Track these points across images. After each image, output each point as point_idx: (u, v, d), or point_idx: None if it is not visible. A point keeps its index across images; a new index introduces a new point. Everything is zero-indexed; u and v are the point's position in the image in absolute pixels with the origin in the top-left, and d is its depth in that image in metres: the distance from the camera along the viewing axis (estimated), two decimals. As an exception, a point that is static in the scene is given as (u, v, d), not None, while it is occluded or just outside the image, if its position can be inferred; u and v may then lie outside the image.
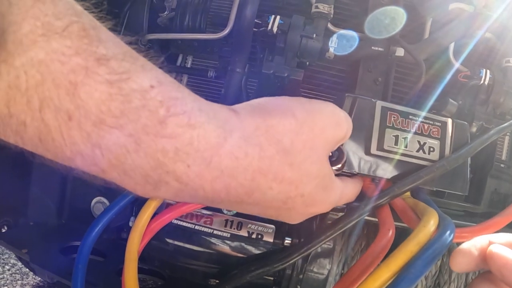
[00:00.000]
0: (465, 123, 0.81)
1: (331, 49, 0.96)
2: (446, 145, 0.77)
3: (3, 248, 1.97)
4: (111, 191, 0.96)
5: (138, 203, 0.81)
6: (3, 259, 1.99)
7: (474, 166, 1.02)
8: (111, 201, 0.95)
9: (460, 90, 1.06)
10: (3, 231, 0.93)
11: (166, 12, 1.14)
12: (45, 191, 0.98)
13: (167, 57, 1.19)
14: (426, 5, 1.07)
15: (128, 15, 1.15)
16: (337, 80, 1.10)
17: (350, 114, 0.76)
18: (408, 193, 0.75)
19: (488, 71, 1.03)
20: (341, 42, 0.98)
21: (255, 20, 0.96)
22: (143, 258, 0.76)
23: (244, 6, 0.93)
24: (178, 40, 1.13)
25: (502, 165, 1.07)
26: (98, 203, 0.95)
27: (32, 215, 0.98)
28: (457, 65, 1.08)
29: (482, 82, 1.03)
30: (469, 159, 0.79)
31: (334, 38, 0.97)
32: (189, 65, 1.19)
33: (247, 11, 0.93)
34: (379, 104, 0.76)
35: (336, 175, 0.64)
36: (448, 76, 1.04)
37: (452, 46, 1.08)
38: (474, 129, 1.00)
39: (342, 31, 1.01)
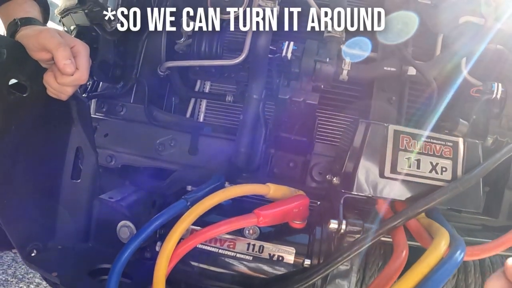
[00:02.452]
0: (477, 141, 0.83)
1: (345, 72, 0.99)
2: (459, 164, 0.79)
3: (27, 267, 2.03)
4: (135, 215, 1.00)
5: (163, 227, 0.85)
6: (27, 279, 2.05)
7: (490, 179, 1.03)
8: (136, 224, 0.99)
9: (473, 105, 1.08)
10: (33, 255, 0.96)
11: (183, 39, 1.18)
12: (72, 216, 1.02)
13: (186, 82, 1.23)
14: (437, 21, 1.08)
15: (146, 43, 1.19)
16: (352, 100, 1.13)
17: (364, 139, 0.79)
18: (423, 213, 0.78)
19: (499, 84, 1.04)
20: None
21: (270, 47, 0.99)
22: (170, 281, 0.79)
23: (259, 34, 0.97)
24: (196, 67, 1.17)
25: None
26: (124, 227, 0.99)
27: (60, 239, 1.02)
28: (464, 72, 1.08)
29: (494, 96, 1.04)
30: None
31: (347, 60, 0.99)
32: (207, 90, 1.23)
33: (261, 40, 0.96)
34: (392, 128, 0.79)
35: None
36: (455, 87, 1.04)
37: (464, 60, 1.09)
38: (489, 143, 1.01)
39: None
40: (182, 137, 1.11)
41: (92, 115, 1.21)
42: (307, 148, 1.04)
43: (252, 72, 1.03)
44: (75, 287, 0.94)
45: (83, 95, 1.22)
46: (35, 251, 0.97)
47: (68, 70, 0.83)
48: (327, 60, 0.97)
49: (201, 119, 1.21)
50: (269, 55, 1.00)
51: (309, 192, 0.93)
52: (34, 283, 2.00)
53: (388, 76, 1.03)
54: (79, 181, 1.03)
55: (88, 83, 1.29)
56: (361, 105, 1.10)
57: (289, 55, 0.97)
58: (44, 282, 1.94)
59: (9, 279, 2.01)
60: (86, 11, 1.03)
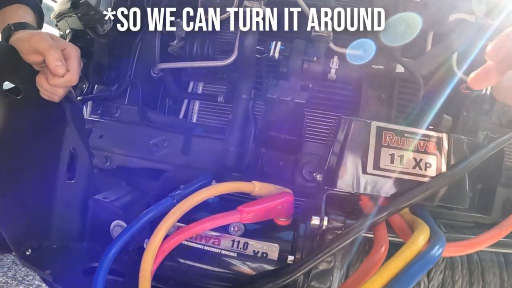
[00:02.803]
0: (462, 136, 0.83)
1: (333, 71, 0.99)
2: (443, 160, 0.79)
3: (27, 270, 2.05)
4: (129, 215, 1.02)
5: (155, 225, 0.86)
6: (27, 281, 2.08)
7: (483, 176, 1.02)
8: (128, 223, 1.01)
9: (463, 102, 1.07)
10: (27, 253, 0.98)
11: (175, 41, 1.19)
12: (67, 216, 1.04)
13: (179, 84, 1.24)
14: (427, 18, 1.08)
15: (140, 45, 1.21)
16: (341, 98, 1.13)
17: (346, 135, 0.79)
18: (407, 209, 0.78)
19: None
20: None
21: (258, 47, 1.00)
22: (158, 277, 0.81)
23: (245, 34, 0.98)
24: (188, 68, 1.18)
25: (512, 173, 1.07)
26: (117, 226, 1.01)
27: (55, 239, 1.04)
28: (455, 69, 1.08)
29: (484, 92, 1.04)
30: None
31: (335, 59, 1.00)
32: (200, 91, 1.24)
33: (248, 40, 0.97)
34: (374, 124, 0.80)
35: None
36: (445, 84, 1.04)
37: (455, 56, 1.09)
38: (480, 139, 1.01)
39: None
40: (175, 137, 1.12)
41: (87, 117, 1.23)
42: (297, 147, 1.04)
43: (240, 72, 1.04)
44: (69, 285, 0.96)
45: (79, 98, 1.24)
46: (30, 250, 0.99)
47: (59, 71, 0.86)
48: (315, 59, 0.97)
49: (194, 120, 1.22)
50: (257, 55, 1.01)
51: (299, 190, 0.94)
52: (34, 285, 2.02)
53: (377, 74, 1.03)
54: (73, 181, 1.04)
55: (84, 86, 1.31)
56: (351, 103, 1.11)
57: (276, 54, 0.99)
58: (43, 284, 1.96)
59: (9, 281, 2.03)
60: (79, 15, 1.05)
